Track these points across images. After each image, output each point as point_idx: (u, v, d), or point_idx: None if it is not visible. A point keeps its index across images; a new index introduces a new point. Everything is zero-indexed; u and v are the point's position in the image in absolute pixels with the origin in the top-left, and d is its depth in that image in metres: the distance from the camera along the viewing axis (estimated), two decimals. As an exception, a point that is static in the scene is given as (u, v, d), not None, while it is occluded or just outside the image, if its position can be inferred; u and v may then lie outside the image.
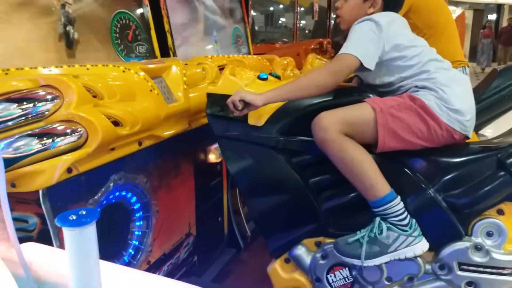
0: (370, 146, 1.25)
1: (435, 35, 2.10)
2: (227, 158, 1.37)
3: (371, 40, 1.26)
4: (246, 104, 1.23)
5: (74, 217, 0.45)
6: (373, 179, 1.20)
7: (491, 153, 1.22)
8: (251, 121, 1.31)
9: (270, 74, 1.43)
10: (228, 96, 1.26)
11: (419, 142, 1.23)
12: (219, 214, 1.79)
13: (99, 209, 0.84)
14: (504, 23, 13.19)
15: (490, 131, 2.00)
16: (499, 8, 16.86)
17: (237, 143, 1.35)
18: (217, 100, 1.33)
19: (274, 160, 1.32)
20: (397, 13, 1.40)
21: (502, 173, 1.19)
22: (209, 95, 1.36)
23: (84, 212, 0.46)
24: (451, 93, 1.23)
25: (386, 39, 1.26)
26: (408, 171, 1.25)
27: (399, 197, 1.21)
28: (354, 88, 1.40)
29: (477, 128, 1.84)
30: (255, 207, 1.39)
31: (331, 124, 1.22)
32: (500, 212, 1.22)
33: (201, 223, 1.62)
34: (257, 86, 1.34)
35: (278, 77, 1.45)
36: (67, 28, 1.41)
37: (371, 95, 1.30)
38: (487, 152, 1.23)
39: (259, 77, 1.37)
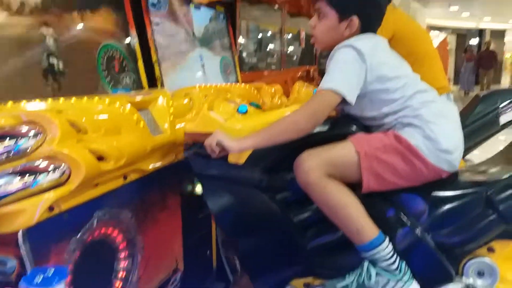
0: (354, 185, 1.22)
1: (417, 63, 2.12)
2: (207, 197, 1.33)
3: (352, 70, 1.20)
4: (224, 147, 1.19)
5: (40, 279, 0.42)
6: (358, 223, 1.17)
7: (479, 190, 1.20)
8: (232, 159, 1.27)
9: (251, 104, 1.42)
10: (207, 134, 1.23)
11: (405, 183, 1.21)
12: (207, 248, 1.75)
13: (66, 269, 0.79)
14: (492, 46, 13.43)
15: (477, 153, 2.01)
16: (480, 32, 17.40)
17: (218, 182, 1.31)
18: (195, 139, 1.30)
19: (257, 198, 1.28)
20: (375, 32, 1.33)
21: (491, 211, 1.18)
22: (187, 134, 1.34)
23: (51, 271, 0.43)
24: (438, 131, 1.19)
25: (369, 69, 1.21)
26: (395, 210, 1.23)
27: (387, 240, 1.17)
28: (338, 120, 1.36)
29: (463, 153, 1.85)
30: (239, 246, 1.35)
31: (313, 167, 1.18)
32: (491, 251, 1.20)
33: (189, 257, 1.58)
34: (237, 120, 1.32)
35: (258, 107, 1.43)
36: (51, 60, 1.40)
37: (354, 128, 1.28)
38: (475, 189, 1.21)
39: (238, 111, 1.35)
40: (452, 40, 17.73)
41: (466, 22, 16.30)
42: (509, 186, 1.20)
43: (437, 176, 1.21)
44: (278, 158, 1.29)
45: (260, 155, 1.27)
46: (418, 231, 1.20)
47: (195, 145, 1.30)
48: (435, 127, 1.19)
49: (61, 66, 1.44)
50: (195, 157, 1.31)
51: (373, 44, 1.25)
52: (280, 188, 1.31)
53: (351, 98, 1.19)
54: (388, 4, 1.34)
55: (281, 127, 1.20)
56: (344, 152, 1.21)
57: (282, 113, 1.33)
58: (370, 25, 1.30)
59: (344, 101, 1.20)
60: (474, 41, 17.06)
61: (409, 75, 1.30)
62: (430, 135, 1.18)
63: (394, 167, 1.19)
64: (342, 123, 1.33)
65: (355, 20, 1.26)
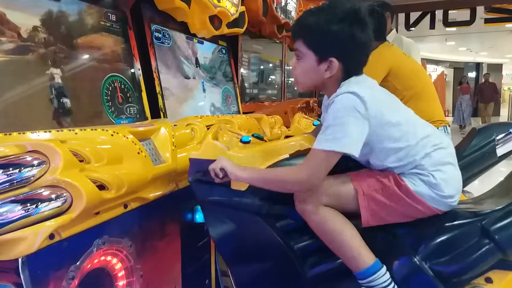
0: (354, 215, 1.23)
1: (414, 97, 2.18)
2: (209, 223, 1.35)
3: (356, 122, 1.12)
4: (227, 172, 1.22)
5: None
6: (354, 251, 1.17)
7: (475, 220, 1.22)
8: (234, 185, 1.29)
9: (253, 135, 1.45)
10: (211, 161, 1.27)
11: (403, 220, 1.23)
12: (206, 276, 1.74)
13: None
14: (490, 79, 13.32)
15: (477, 183, 2.02)
16: (477, 66, 17.69)
17: (220, 208, 1.33)
18: (199, 165, 1.33)
19: (258, 226, 1.30)
20: (361, 72, 1.25)
21: (487, 241, 1.19)
22: (192, 160, 1.37)
23: None
24: (440, 178, 1.18)
25: (372, 117, 1.14)
26: (393, 238, 1.24)
27: (384, 268, 1.18)
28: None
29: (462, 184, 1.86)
30: (239, 274, 1.36)
31: (311, 196, 1.20)
32: (489, 281, 1.20)
33: (188, 286, 1.57)
34: (240, 149, 1.35)
35: (261, 138, 1.46)
36: (61, 100, 1.44)
37: (352, 163, 1.28)
38: (471, 219, 1.23)
39: (241, 141, 1.38)
40: (449, 73, 18.06)
41: (463, 56, 16.61)
42: (504, 216, 1.21)
43: (433, 214, 1.23)
44: None
45: None
46: (416, 260, 1.20)
47: (199, 171, 1.32)
48: (437, 174, 1.18)
49: (68, 104, 1.47)
50: (198, 184, 1.33)
51: (371, 90, 1.20)
52: (280, 216, 1.32)
53: (355, 152, 1.13)
54: (381, 42, 1.31)
55: (277, 179, 1.20)
56: (343, 187, 1.22)
57: (285, 143, 1.38)
58: (353, 66, 1.22)
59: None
60: (471, 75, 17.30)
61: (409, 118, 1.25)
62: (432, 182, 1.18)
63: (391, 208, 1.20)
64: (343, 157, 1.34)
65: (335, 62, 1.18)
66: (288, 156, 1.32)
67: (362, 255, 1.17)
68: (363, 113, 1.13)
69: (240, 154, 1.33)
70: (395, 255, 1.22)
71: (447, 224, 1.24)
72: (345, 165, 1.27)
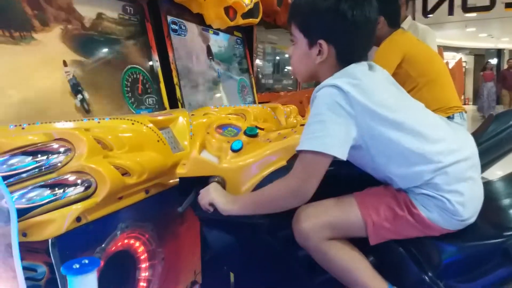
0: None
1: (429, 84, 2.17)
2: (210, 239, 1.32)
3: (338, 119, 0.99)
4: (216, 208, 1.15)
5: (78, 266, 0.48)
6: (364, 285, 1.08)
7: (496, 240, 1.11)
8: None
9: (245, 133, 1.32)
10: (201, 178, 1.21)
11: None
12: (225, 262, 1.79)
13: (99, 259, 0.85)
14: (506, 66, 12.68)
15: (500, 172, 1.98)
16: (499, 52, 17.25)
17: (220, 224, 1.27)
18: (190, 184, 1.26)
19: (260, 240, 1.24)
20: (364, 58, 1.12)
21: (508, 263, 1.10)
22: (181, 179, 1.29)
23: (86, 261, 0.49)
24: (457, 201, 1.03)
25: (359, 113, 1.00)
26: (404, 253, 1.15)
27: None
28: (339, 169, 1.16)
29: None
30: (246, 285, 1.35)
31: (312, 230, 1.07)
32: None
33: (207, 270, 1.62)
34: (232, 158, 1.23)
35: (254, 134, 1.32)
36: (83, 92, 1.49)
37: (356, 172, 1.15)
38: (492, 240, 1.12)
39: (232, 149, 1.24)
40: (470, 61, 17.65)
41: (484, 42, 16.20)
42: None
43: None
44: None
45: None
46: (429, 277, 1.13)
47: (189, 198, 1.25)
48: (452, 197, 1.03)
49: (90, 96, 1.52)
50: (194, 202, 1.25)
51: (359, 80, 1.03)
52: (282, 226, 1.22)
53: (341, 155, 1.00)
54: (374, 25, 1.11)
55: (269, 200, 1.10)
56: (348, 216, 1.09)
57: (280, 144, 1.23)
58: (347, 50, 1.09)
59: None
60: (493, 61, 16.85)
61: (418, 119, 1.08)
62: (448, 208, 1.03)
63: (404, 234, 1.09)
64: (342, 173, 1.20)
65: (324, 45, 1.07)
66: (286, 163, 1.19)
67: (373, 286, 1.09)
68: (347, 109, 0.99)
69: (232, 166, 1.21)
70: (407, 272, 1.14)
71: (465, 241, 1.13)
72: (348, 174, 1.18)
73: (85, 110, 1.47)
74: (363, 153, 1.06)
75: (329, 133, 0.99)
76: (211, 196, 1.15)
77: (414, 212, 1.05)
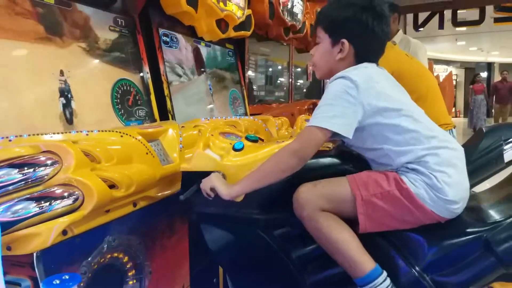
0: (353, 221, 1.21)
1: (419, 100, 2.15)
2: (206, 235, 1.35)
3: (346, 104, 1.15)
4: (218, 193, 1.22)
5: (58, 282, 0.48)
6: (352, 258, 1.16)
7: (478, 231, 1.18)
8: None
9: (246, 137, 1.40)
10: (203, 173, 1.26)
11: (403, 227, 1.20)
12: (214, 275, 1.78)
13: (79, 275, 0.84)
14: (497, 79, 12.39)
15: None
16: (489, 66, 17.52)
17: (216, 219, 1.32)
18: (192, 178, 1.31)
19: (255, 235, 1.28)
20: (376, 62, 1.30)
21: (489, 254, 1.16)
22: (184, 174, 1.35)
23: (67, 277, 0.49)
24: (444, 180, 1.14)
25: (365, 100, 1.15)
26: (393, 249, 1.21)
27: (384, 274, 1.16)
28: (336, 156, 1.35)
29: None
30: (239, 283, 1.36)
31: (309, 201, 1.20)
32: None
33: (196, 284, 1.61)
34: (234, 158, 1.32)
35: (255, 140, 1.41)
36: (72, 104, 1.49)
37: (351, 166, 1.27)
38: (474, 229, 1.19)
39: (234, 148, 1.33)
40: (461, 74, 17.90)
41: (474, 56, 16.46)
42: (507, 228, 1.17)
43: (436, 221, 1.20)
44: (276, 195, 1.29)
45: (258, 192, 1.25)
46: (416, 271, 1.18)
47: (191, 189, 1.30)
48: (440, 175, 1.14)
49: (79, 107, 1.52)
50: (194, 196, 1.31)
51: (368, 74, 1.21)
52: (278, 225, 1.30)
53: (346, 133, 1.15)
54: (387, 38, 1.31)
55: (268, 168, 1.19)
56: (341, 191, 1.21)
57: (277, 147, 1.31)
58: (365, 53, 1.27)
59: (337, 134, 1.17)
60: (483, 75, 17.07)
61: (414, 111, 1.24)
62: (435, 184, 1.14)
63: (391, 214, 1.17)
64: (340, 159, 1.34)
65: (346, 44, 1.25)
66: None
67: (360, 261, 1.16)
68: (355, 96, 1.16)
69: (234, 163, 1.29)
70: (393, 265, 1.19)
71: (449, 235, 1.20)
72: (344, 169, 1.27)
73: (69, 120, 1.47)
74: (365, 134, 1.20)
75: (337, 114, 1.15)
76: (213, 182, 1.23)
77: (403, 186, 1.15)
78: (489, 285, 1.20)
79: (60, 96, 1.47)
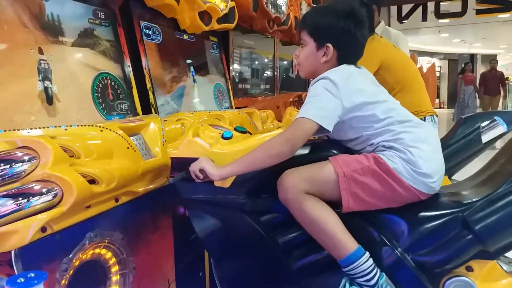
0: (336, 203, 1.25)
1: (404, 89, 2.24)
2: (194, 221, 1.36)
3: (327, 100, 1.26)
4: (207, 174, 1.25)
5: (22, 280, 0.47)
6: (336, 238, 1.20)
7: (455, 211, 1.23)
8: (218, 183, 1.30)
9: (235, 129, 1.45)
10: (192, 159, 1.28)
11: (384, 204, 1.25)
12: (200, 269, 1.77)
13: (46, 272, 0.83)
14: (479, 71, 12.22)
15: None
16: (472, 57, 17.76)
17: (204, 206, 1.34)
18: (181, 164, 1.34)
19: (242, 221, 1.30)
20: (355, 63, 1.40)
21: (467, 232, 1.21)
22: (173, 160, 1.37)
23: (32, 275, 0.48)
24: (418, 155, 1.22)
25: (344, 97, 1.26)
26: (375, 230, 1.26)
27: (366, 254, 1.20)
28: (320, 144, 1.42)
29: (449, 172, 1.90)
30: (225, 270, 1.37)
31: (292, 184, 1.23)
32: (469, 269, 1.23)
33: (181, 279, 1.60)
34: (223, 146, 1.36)
35: (243, 131, 1.46)
36: (45, 84, 1.46)
37: (336, 151, 1.32)
38: (452, 210, 1.24)
39: (223, 137, 1.38)
40: (444, 65, 18.13)
41: (457, 47, 16.66)
42: (483, 207, 1.22)
43: (416, 199, 1.25)
44: (263, 182, 1.31)
45: (245, 178, 1.29)
46: (398, 251, 1.22)
47: (180, 172, 1.32)
48: (415, 151, 1.23)
49: (55, 88, 1.49)
50: (181, 182, 1.34)
51: (346, 74, 1.31)
52: (264, 211, 1.33)
53: (327, 126, 1.24)
54: (369, 36, 1.41)
55: (259, 153, 1.24)
56: (323, 171, 1.25)
57: (266, 137, 1.36)
58: (346, 56, 1.37)
59: (322, 129, 1.25)
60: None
61: (389, 101, 1.35)
62: (410, 158, 1.22)
63: (372, 189, 1.22)
64: (323, 147, 1.38)
65: (330, 48, 1.35)
66: None
67: (343, 242, 1.20)
68: (335, 93, 1.26)
69: (223, 150, 1.33)
70: (377, 247, 1.23)
71: (428, 215, 1.25)
72: (327, 155, 1.30)
73: (52, 117, 1.44)
74: (345, 127, 1.30)
75: (318, 107, 1.25)
76: (202, 163, 1.27)
77: (380, 162, 1.23)
78: (467, 264, 1.24)
79: (40, 89, 1.43)
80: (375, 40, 2.32)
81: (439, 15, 7.45)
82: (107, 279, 1.27)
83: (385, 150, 1.26)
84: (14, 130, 1.18)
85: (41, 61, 1.48)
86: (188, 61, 2.50)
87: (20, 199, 0.98)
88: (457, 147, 1.83)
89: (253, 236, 1.31)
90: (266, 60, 3.93)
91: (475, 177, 1.47)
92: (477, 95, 9.86)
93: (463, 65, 11.05)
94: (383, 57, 2.27)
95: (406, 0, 6.75)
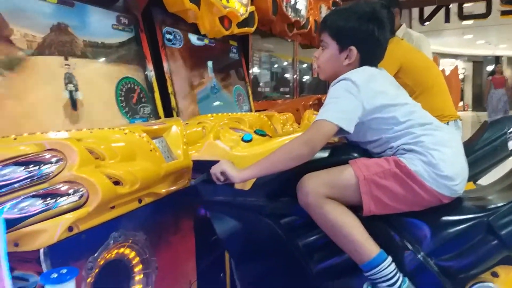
0: (357, 207, 1.24)
1: (425, 92, 2.20)
2: (215, 222, 1.37)
3: (348, 101, 1.24)
4: (227, 177, 1.26)
5: (56, 275, 0.49)
6: (357, 243, 1.19)
7: (480, 216, 1.20)
8: (238, 185, 1.31)
9: (255, 132, 1.45)
10: (213, 162, 1.29)
11: (406, 208, 1.23)
12: (220, 270, 1.79)
13: (77, 269, 0.85)
14: (505, 73, 11.65)
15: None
16: (497, 59, 17.29)
17: (224, 208, 1.35)
18: (202, 166, 1.35)
19: (262, 224, 1.31)
20: (376, 66, 1.38)
21: (492, 237, 1.18)
22: (194, 162, 1.39)
23: (65, 271, 0.50)
24: (440, 157, 1.20)
25: (365, 99, 1.24)
26: (398, 234, 1.23)
27: (389, 259, 1.19)
28: (339, 147, 1.41)
29: (474, 178, 1.85)
30: (246, 271, 1.38)
31: (312, 188, 1.23)
32: (495, 275, 1.20)
33: (203, 279, 1.62)
34: (243, 148, 1.37)
35: (263, 134, 1.46)
36: (69, 88, 1.51)
37: (356, 155, 1.30)
38: (476, 214, 1.21)
39: (243, 140, 1.40)
40: (468, 67, 17.73)
41: (482, 49, 16.26)
42: (509, 212, 1.19)
43: (438, 202, 1.22)
44: (283, 184, 1.32)
45: (265, 181, 1.30)
46: (421, 256, 1.20)
47: (201, 176, 1.34)
48: (436, 153, 1.20)
49: (79, 94, 1.54)
50: (203, 184, 1.35)
51: (368, 76, 1.30)
52: (285, 213, 1.33)
53: (347, 127, 1.22)
54: (390, 38, 1.39)
55: (279, 156, 1.24)
56: (343, 175, 1.24)
57: (285, 140, 1.37)
58: (368, 58, 1.36)
59: (342, 130, 1.23)
60: (490, 68, 16.89)
61: (410, 104, 1.33)
62: (431, 161, 1.19)
63: (393, 192, 1.20)
64: (343, 150, 1.37)
65: (354, 51, 1.33)
66: None
67: (365, 246, 1.19)
68: (355, 94, 1.25)
69: (243, 153, 1.35)
70: (400, 251, 1.21)
71: (452, 219, 1.22)
72: (347, 158, 1.29)
73: (78, 120, 1.48)
74: (365, 129, 1.29)
75: (339, 109, 1.24)
76: (223, 166, 1.28)
77: (401, 164, 1.21)
78: (492, 269, 1.21)
79: (66, 94, 1.48)
80: (394, 43, 2.29)
81: (462, 16, 7.31)
82: (130, 278, 1.29)
83: (405, 153, 1.24)
84: (42, 133, 1.22)
85: (66, 66, 1.53)
86: (209, 65, 2.53)
87: (48, 199, 1.02)
88: (482, 153, 1.76)
89: (273, 238, 1.31)
90: (285, 63, 3.94)
91: (500, 182, 1.43)
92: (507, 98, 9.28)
93: (495, 66, 10.71)
94: (402, 59, 2.25)
95: (428, 1, 6.64)
